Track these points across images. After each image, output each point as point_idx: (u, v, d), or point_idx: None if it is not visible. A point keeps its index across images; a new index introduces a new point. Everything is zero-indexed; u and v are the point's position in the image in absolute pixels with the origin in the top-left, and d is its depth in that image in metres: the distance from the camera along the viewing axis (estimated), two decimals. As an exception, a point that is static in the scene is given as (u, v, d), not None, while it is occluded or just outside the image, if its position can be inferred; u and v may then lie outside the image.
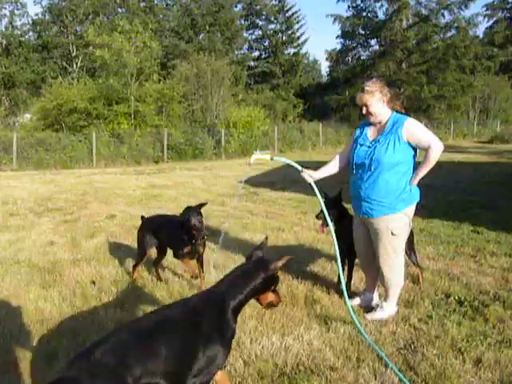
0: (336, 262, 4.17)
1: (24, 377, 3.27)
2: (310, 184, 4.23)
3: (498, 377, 3.16)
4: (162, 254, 5.34)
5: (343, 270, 4.33)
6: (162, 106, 25.82)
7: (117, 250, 6.39)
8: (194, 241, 4.74)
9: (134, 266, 5.23)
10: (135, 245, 6.55)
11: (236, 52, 46.77)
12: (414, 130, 3.80)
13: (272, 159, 4.29)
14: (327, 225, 4.19)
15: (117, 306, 4.42)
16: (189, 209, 4.81)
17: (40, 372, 3.30)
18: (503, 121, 41.12)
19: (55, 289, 4.93)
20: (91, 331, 3.87)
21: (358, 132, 4.19)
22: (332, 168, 4.35)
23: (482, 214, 8.27)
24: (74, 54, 39.12)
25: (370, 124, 4.06)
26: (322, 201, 4.19)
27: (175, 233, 4.85)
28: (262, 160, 4.31)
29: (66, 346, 3.62)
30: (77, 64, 38.63)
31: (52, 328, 3.96)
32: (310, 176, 4.25)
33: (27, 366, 3.38)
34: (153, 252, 5.41)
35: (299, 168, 4.27)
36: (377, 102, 3.87)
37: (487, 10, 52.10)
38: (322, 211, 4.36)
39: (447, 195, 10.37)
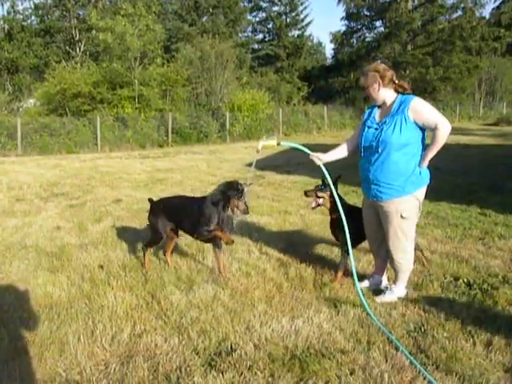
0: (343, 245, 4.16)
1: (34, 363, 3.25)
2: (319, 166, 4.23)
3: (508, 359, 3.15)
4: (173, 238, 5.13)
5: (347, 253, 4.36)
6: (166, 90, 25.70)
7: (124, 234, 6.39)
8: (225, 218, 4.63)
9: (146, 249, 5.05)
10: (142, 228, 6.61)
11: (240, 34, 46.44)
12: (421, 109, 3.76)
13: (279, 144, 4.29)
14: (318, 205, 4.46)
15: (126, 289, 4.43)
16: (234, 182, 4.63)
17: (50, 358, 3.30)
18: (509, 103, 40.75)
19: (63, 273, 4.94)
20: (101, 316, 3.88)
21: (366, 114, 4.18)
22: (341, 152, 4.33)
23: (489, 197, 8.23)
24: (76, 38, 38.82)
25: (379, 106, 4.04)
26: (331, 182, 4.20)
27: (197, 213, 4.62)
28: (269, 146, 4.29)
29: (77, 332, 3.63)
30: (80, 48, 38.37)
31: (61, 313, 3.95)
32: (319, 158, 4.24)
33: (37, 352, 3.37)
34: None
35: (307, 151, 4.25)
36: (372, 84, 3.90)
37: (494, -11, 51.43)
38: (322, 189, 4.50)
39: (454, 178, 10.31)
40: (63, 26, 39.60)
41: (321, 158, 4.26)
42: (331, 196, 4.41)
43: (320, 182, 4.61)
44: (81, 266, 5.17)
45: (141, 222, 7.03)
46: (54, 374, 3.13)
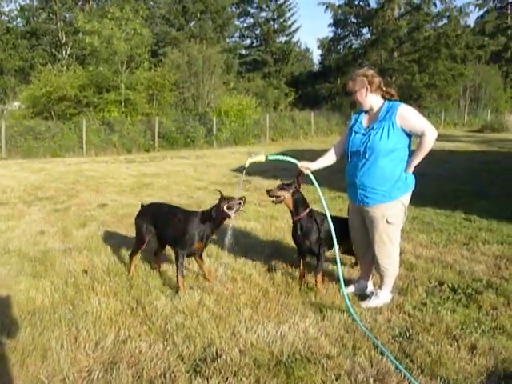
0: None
1: (15, 370, 3.20)
2: (307, 175, 4.26)
3: (492, 363, 3.18)
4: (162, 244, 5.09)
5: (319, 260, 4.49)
6: (152, 94, 25.59)
7: (109, 239, 6.33)
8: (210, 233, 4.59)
9: (132, 256, 5.03)
10: (127, 233, 6.56)
11: (227, 40, 46.39)
12: (408, 115, 3.80)
13: (267, 159, 4.30)
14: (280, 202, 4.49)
15: (110, 295, 4.39)
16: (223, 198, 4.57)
17: (32, 365, 3.24)
18: (493, 110, 41.23)
19: (47, 279, 4.87)
20: (85, 321, 3.84)
21: (353, 120, 4.20)
22: (329, 159, 4.35)
23: (473, 202, 8.30)
24: (63, 41, 38.57)
25: (366, 112, 4.06)
26: (320, 191, 4.22)
27: (184, 225, 4.54)
28: (258, 161, 4.29)
29: (60, 338, 3.58)
30: (66, 51, 38.11)
31: (44, 319, 3.90)
32: (308, 167, 4.28)
33: (19, 358, 3.31)
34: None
35: (295, 162, 4.29)
36: (360, 89, 3.92)
37: (478, -1, 52.10)
38: (284, 188, 4.50)
39: (439, 183, 10.39)
40: (49, 29, 39.30)
41: (309, 167, 4.28)
42: (293, 196, 4.44)
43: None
44: (65, 271, 5.11)
45: (126, 226, 6.98)
46: (36, 381, 3.08)
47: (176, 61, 28.40)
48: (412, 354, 3.29)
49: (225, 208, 4.42)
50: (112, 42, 23.77)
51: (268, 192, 4.60)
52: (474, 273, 4.89)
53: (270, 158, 4.36)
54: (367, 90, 3.92)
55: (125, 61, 24.48)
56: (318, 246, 4.47)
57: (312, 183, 4.28)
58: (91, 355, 3.35)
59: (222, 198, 4.51)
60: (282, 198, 4.47)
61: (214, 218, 4.50)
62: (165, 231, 4.80)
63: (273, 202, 4.57)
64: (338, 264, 4.02)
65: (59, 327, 3.75)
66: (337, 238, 4.16)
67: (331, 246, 4.38)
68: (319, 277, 4.51)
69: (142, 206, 5.14)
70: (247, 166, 4.29)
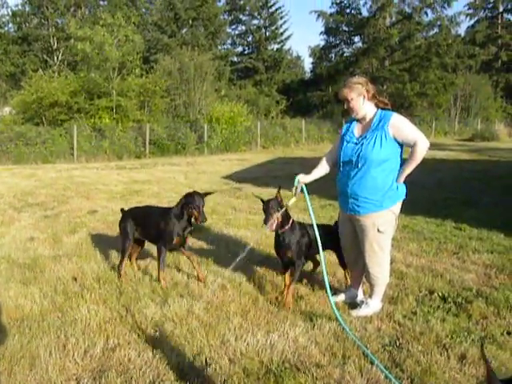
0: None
1: (3, 379, 3.16)
2: (302, 188, 4.28)
3: (482, 372, 3.17)
4: (138, 246, 5.41)
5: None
6: (144, 101, 25.59)
7: (99, 246, 6.31)
8: (186, 228, 4.86)
9: (120, 264, 5.13)
10: (117, 240, 6.50)
11: (219, 47, 46.55)
12: (401, 125, 3.80)
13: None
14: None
15: (99, 302, 4.36)
16: (193, 192, 4.92)
17: (20, 373, 3.21)
18: (483, 119, 41.51)
19: (36, 286, 4.84)
20: (74, 329, 3.81)
21: (344, 129, 4.18)
22: (322, 169, 4.34)
23: (464, 211, 8.34)
24: (54, 47, 38.52)
25: (357, 121, 4.05)
26: (310, 206, 4.21)
27: (161, 222, 4.88)
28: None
29: (48, 345, 3.55)
30: (58, 57, 38.06)
31: (33, 326, 3.86)
32: (304, 181, 4.28)
33: (7, 366, 3.28)
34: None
35: (302, 186, 4.29)
36: (357, 96, 3.89)
37: (469, 8, 52.72)
38: (278, 210, 4.35)
39: (430, 192, 10.44)
40: (41, 35, 39.25)
41: (304, 180, 4.26)
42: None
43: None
44: (54, 278, 5.08)
45: (116, 233, 6.93)
46: (24, 389, 3.05)
47: (167, 67, 28.45)
48: (402, 363, 3.29)
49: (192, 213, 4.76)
50: (104, 48, 23.77)
51: (266, 221, 4.35)
52: (464, 282, 4.90)
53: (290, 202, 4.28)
54: (364, 97, 3.91)
55: (116, 67, 24.47)
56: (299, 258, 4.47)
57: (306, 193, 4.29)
58: (80, 363, 3.32)
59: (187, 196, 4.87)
60: (277, 219, 4.34)
61: (182, 214, 4.81)
62: (146, 229, 5.14)
63: (273, 230, 4.44)
64: (324, 273, 4.00)
65: (48, 335, 3.72)
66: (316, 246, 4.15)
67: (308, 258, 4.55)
68: (291, 289, 4.38)
69: (122, 210, 5.52)
70: (290, 204, 4.26)
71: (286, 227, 4.42)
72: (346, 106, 4.00)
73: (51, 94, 22.75)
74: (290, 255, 4.45)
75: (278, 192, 4.46)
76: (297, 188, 4.23)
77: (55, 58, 38.34)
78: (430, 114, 38.98)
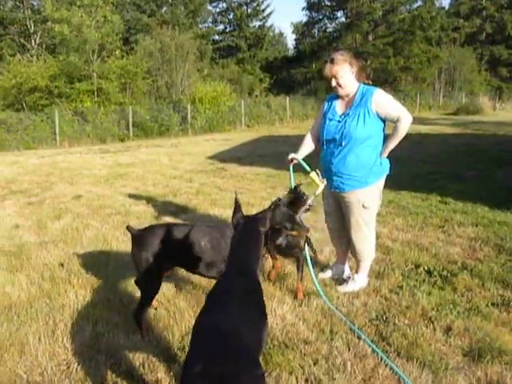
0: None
1: (-7, 365, 3.17)
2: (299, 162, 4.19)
3: (467, 344, 3.23)
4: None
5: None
6: (125, 83, 25.29)
7: (84, 231, 6.27)
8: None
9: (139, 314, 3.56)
10: (103, 224, 6.50)
11: (200, 26, 45.97)
12: (383, 101, 3.78)
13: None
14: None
15: (87, 287, 4.35)
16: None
17: (10, 360, 3.22)
18: (468, 92, 41.64)
19: (23, 273, 4.81)
20: (62, 315, 3.81)
21: (326, 106, 4.12)
22: (308, 147, 4.28)
23: (448, 185, 8.40)
24: (31, 30, 37.64)
25: (338, 97, 4.00)
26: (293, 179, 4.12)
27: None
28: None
29: (37, 332, 3.55)
30: (35, 40, 37.26)
31: (21, 313, 3.86)
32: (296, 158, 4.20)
33: (-4, 353, 3.28)
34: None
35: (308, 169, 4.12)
36: (347, 73, 3.81)
37: (453, -20, 52.38)
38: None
39: (414, 167, 10.49)
40: (17, 18, 38.29)
41: (298, 157, 4.20)
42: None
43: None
44: (41, 264, 5.05)
45: (102, 218, 6.92)
46: (15, 376, 3.05)
47: (148, 48, 28.14)
48: (388, 337, 3.33)
49: None
50: (82, 30, 23.40)
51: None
52: (449, 255, 4.96)
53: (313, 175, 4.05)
54: (352, 74, 3.84)
55: (96, 49, 24.10)
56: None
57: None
58: (69, 348, 3.33)
59: None
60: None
61: None
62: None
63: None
64: (306, 250, 4.00)
65: (36, 321, 3.71)
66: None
67: None
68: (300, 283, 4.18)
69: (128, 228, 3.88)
70: (318, 192, 4.05)
71: None
72: (333, 83, 3.86)
73: (30, 78, 22.38)
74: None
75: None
76: (318, 174, 4.04)
77: (33, 41, 37.54)
78: (415, 89, 38.97)
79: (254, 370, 1.79)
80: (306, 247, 4.09)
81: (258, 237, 2.56)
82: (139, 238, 3.61)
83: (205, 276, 3.73)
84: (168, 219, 6.71)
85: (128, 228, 3.71)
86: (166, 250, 3.51)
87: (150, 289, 3.53)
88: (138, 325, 3.47)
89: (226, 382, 1.64)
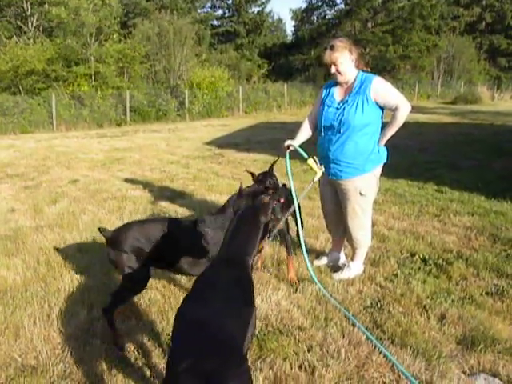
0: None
1: (-12, 348, 3.18)
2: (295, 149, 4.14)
3: (460, 332, 3.25)
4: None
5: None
6: (123, 67, 25.13)
7: (80, 215, 6.26)
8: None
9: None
10: (99, 209, 6.49)
11: (199, 10, 45.70)
12: (382, 89, 3.75)
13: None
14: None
15: (83, 272, 4.35)
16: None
17: (5, 343, 3.23)
18: (467, 81, 41.51)
19: (18, 257, 4.81)
20: (58, 299, 3.81)
21: (324, 93, 4.08)
22: (306, 133, 4.25)
23: (445, 174, 8.41)
24: (28, 13, 37.23)
25: (337, 84, 3.97)
26: (290, 171, 4.10)
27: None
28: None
29: (32, 315, 3.56)
30: (32, 23, 36.87)
31: (16, 297, 3.86)
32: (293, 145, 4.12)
33: (-9, 336, 3.29)
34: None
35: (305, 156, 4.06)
36: (346, 60, 3.77)
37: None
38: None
39: (411, 155, 10.48)
40: (13, 0, 38.00)
41: (294, 144, 4.13)
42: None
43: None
44: (36, 248, 5.04)
45: (98, 202, 6.91)
46: (10, 359, 3.06)
47: (146, 32, 27.94)
48: (383, 325, 3.35)
49: None
50: (79, 13, 23.18)
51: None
52: (444, 244, 4.97)
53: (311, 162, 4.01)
54: (352, 61, 3.81)
55: (93, 33, 23.92)
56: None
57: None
58: (64, 332, 3.34)
59: None
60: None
61: None
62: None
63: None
64: (301, 236, 3.99)
65: (32, 305, 3.72)
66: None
67: None
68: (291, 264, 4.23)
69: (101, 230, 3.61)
70: (316, 179, 4.03)
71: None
72: (333, 70, 3.82)
73: (27, 61, 22.17)
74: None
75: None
76: (316, 161, 4.00)
77: (30, 24, 37.15)
78: (413, 77, 38.84)
79: (240, 365, 1.79)
80: (300, 231, 4.06)
81: (256, 227, 2.51)
82: (115, 239, 3.35)
83: (190, 275, 3.58)
84: (164, 204, 6.71)
85: (100, 230, 3.44)
86: (145, 247, 3.31)
87: (129, 289, 3.32)
88: (109, 325, 3.21)
89: (212, 379, 1.64)
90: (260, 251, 4.14)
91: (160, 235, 3.34)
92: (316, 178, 4.01)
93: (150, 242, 3.31)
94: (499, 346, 3.06)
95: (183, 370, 1.67)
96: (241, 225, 2.52)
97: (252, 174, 4.38)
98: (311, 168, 4.00)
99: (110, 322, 3.21)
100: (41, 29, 34.93)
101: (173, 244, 3.34)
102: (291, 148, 4.12)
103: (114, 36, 25.45)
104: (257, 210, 2.60)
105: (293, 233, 4.54)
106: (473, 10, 48.84)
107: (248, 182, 6.90)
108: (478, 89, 36.77)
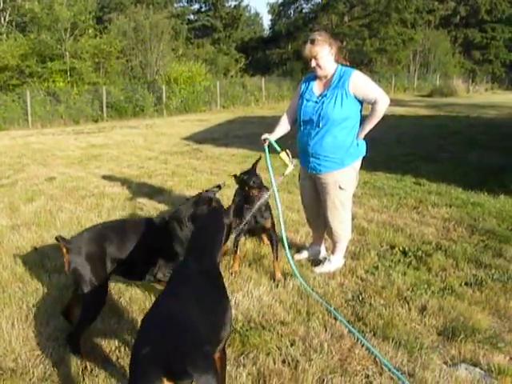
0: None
1: (-36, 349, 3.10)
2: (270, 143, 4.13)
3: (441, 323, 3.29)
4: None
5: None
6: (99, 63, 24.84)
7: (58, 213, 6.16)
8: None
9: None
10: (77, 207, 6.40)
11: (175, 5, 45.24)
12: (361, 83, 3.76)
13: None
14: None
15: (61, 271, 4.27)
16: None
17: (-18, 343, 3.16)
18: (442, 74, 41.96)
19: (-6, 257, 4.72)
20: (36, 299, 3.75)
21: (303, 87, 4.08)
22: (284, 127, 4.25)
23: (422, 167, 8.48)
24: (1, 7, 36.63)
25: (315, 78, 3.97)
26: (270, 165, 4.10)
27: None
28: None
29: (11, 317, 3.49)
30: (5, 18, 36.18)
31: (-7, 298, 3.79)
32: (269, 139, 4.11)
33: (-33, 338, 3.21)
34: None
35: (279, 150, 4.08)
36: (327, 54, 3.77)
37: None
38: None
39: (389, 148, 10.55)
40: (-16, -6, 37.29)
41: (272, 138, 4.12)
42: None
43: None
44: (13, 248, 4.95)
45: (75, 200, 6.81)
46: (-13, 361, 3.00)
47: (122, 27, 27.61)
48: (365, 317, 3.36)
49: None
50: (53, 7, 22.78)
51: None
52: (423, 236, 5.02)
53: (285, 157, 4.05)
54: (332, 55, 3.81)
55: (68, 28, 23.53)
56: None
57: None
58: (43, 333, 3.28)
59: None
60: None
61: None
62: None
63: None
64: (283, 230, 3.99)
65: (9, 306, 3.65)
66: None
67: None
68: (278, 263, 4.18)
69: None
70: (287, 173, 4.03)
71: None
72: (313, 64, 3.81)
73: (0, 57, 21.79)
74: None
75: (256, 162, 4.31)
76: (288, 154, 4.02)
77: (2, 19, 36.51)
78: (390, 71, 39.14)
79: (203, 348, 1.81)
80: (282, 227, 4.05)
81: (220, 228, 2.64)
82: (73, 246, 3.10)
83: (154, 281, 3.46)
84: (143, 201, 6.65)
85: (57, 239, 3.11)
86: (106, 253, 3.14)
87: (96, 303, 3.08)
88: (75, 351, 2.98)
89: (174, 362, 1.65)
90: (225, 252, 4.13)
91: (128, 238, 3.22)
92: (287, 172, 4.03)
93: (116, 248, 3.16)
94: (479, 336, 3.10)
95: (144, 355, 1.69)
96: (207, 226, 2.65)
97: (235, 176, 4.32)
98: (283, 161, 4.01)
99: (76, 348, 2.98)
100: (14, 24, 34.25)
101: (142, 247, 3.21)
102: (267, 142, 4.12)
103: (90, 31, 25.11)
104: (220, 212, 2.79)
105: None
106: (447, 4, 49.23)
107: (225, 175, 6.88)
108: (454, 82, 37.23)
